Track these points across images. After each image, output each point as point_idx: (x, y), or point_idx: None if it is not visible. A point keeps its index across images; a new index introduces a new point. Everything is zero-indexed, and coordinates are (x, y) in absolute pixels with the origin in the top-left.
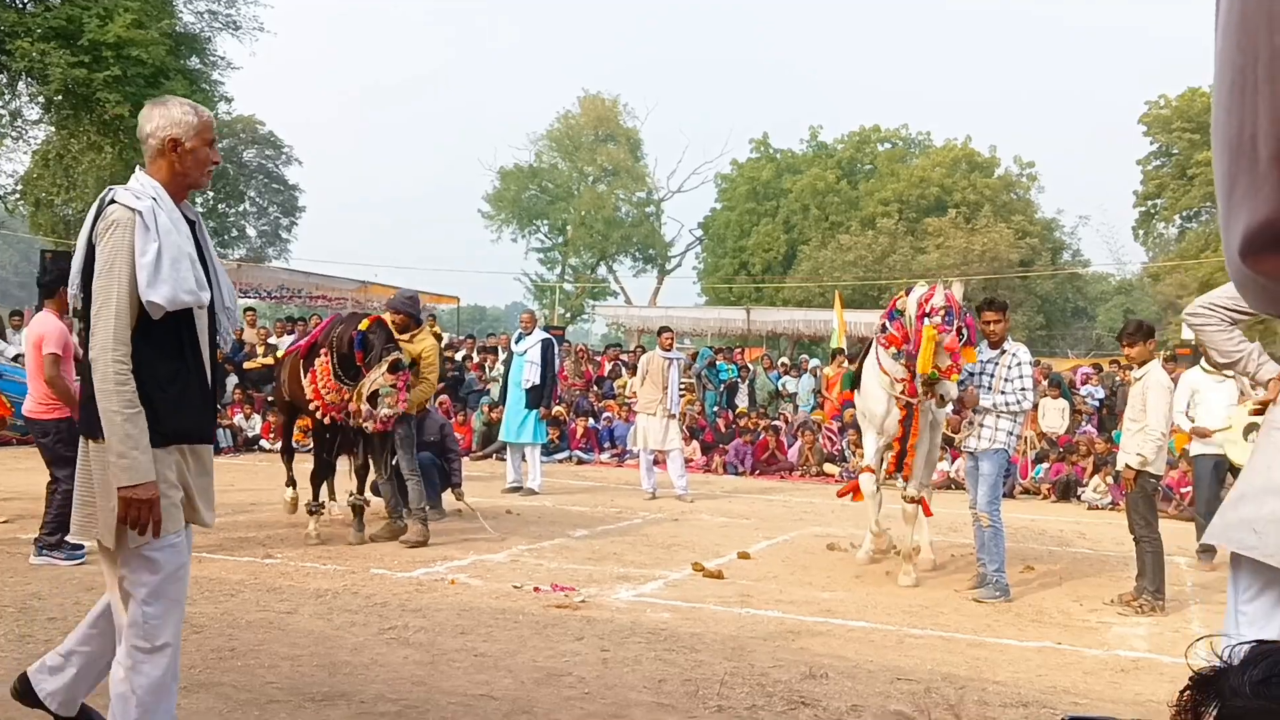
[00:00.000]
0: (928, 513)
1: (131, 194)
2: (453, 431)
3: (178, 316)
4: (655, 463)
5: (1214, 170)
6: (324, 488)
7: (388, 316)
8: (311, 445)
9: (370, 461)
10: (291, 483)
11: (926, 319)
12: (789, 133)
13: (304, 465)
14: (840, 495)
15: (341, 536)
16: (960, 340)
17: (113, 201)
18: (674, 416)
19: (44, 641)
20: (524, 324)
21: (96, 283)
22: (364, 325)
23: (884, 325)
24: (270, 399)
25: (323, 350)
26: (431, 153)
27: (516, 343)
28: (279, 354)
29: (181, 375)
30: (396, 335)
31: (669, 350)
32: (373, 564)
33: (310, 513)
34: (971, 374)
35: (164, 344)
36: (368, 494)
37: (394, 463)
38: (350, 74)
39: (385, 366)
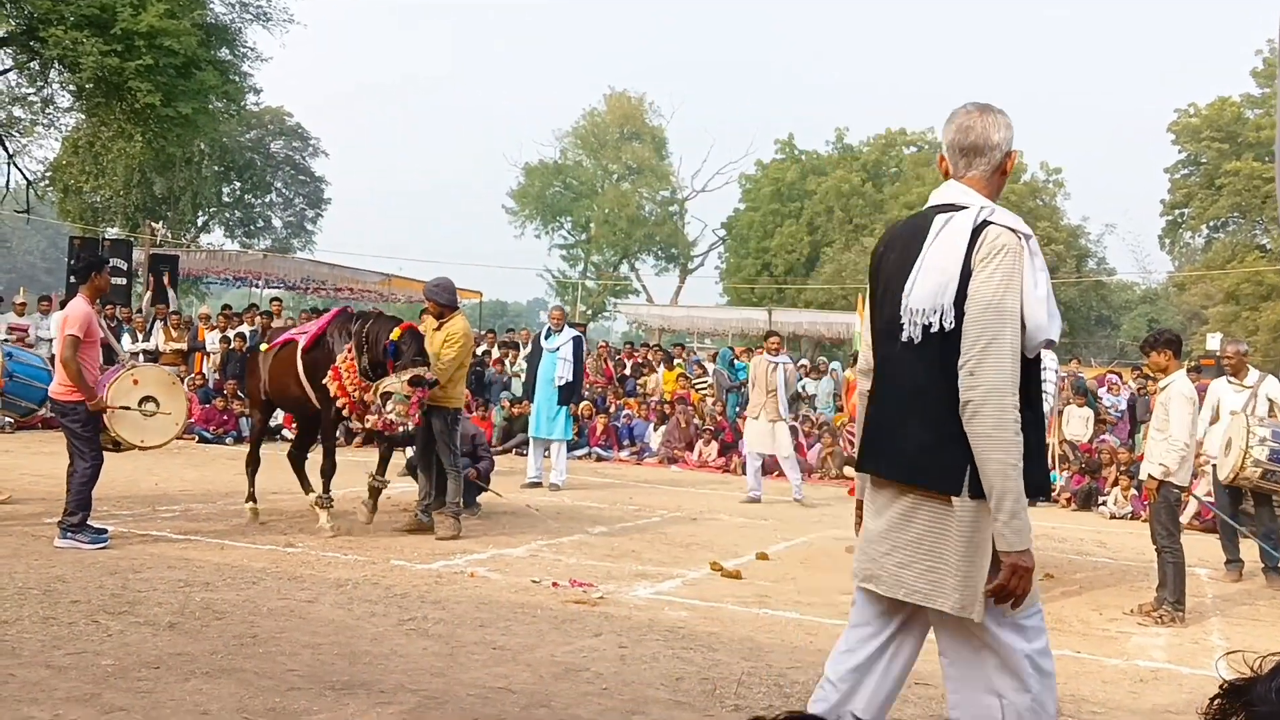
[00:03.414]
0: None
1: (1009, 215)
2: (485, 441)
3: (1029, 357)
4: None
5: None
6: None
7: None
8: (295, 439)
9: (391, 445)
10: (252, 499)
11: None
12: (814, 134)
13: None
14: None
15: (362, 528)
16: None
17: (989, 223)
18: (780, 420)
19: (68, 624)
20: (554, 321)
21: (982, 314)
22: (396, 334)
23: None
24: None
25: (348, 347)
26: (456, 147)
27: (546, 338)
28: (263, 347)
29: (1035, 422)
30: (434, 319)
31: (776, 354)
32: (393, 555)
33: (320, 507)
34: None
35: (1027, 387)
36: (388, 476)
37: (433, 456)
38: (376, 68)
39: (407, 376)
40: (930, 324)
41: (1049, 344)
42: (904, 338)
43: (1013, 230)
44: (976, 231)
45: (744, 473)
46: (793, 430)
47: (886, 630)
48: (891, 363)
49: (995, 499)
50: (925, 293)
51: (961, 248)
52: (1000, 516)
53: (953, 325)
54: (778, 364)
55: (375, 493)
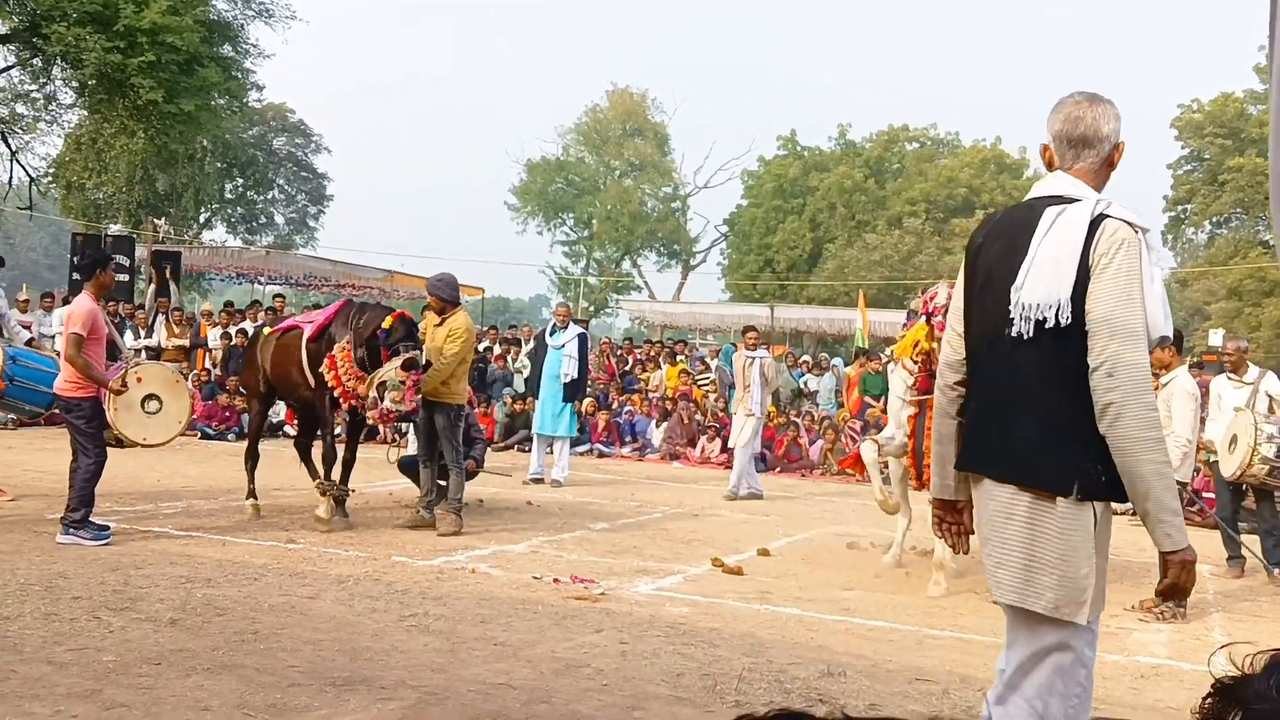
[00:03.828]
0: None
1: (1125, 209)
2: (477, 421)
3: None
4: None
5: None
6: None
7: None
8: (298, 429)
9: (354, 455)
10: (252, 494)
11: (927, 318)
12: (817, 130)
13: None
14: (841, 466)
15: (364, 523)
16: None
17: (1106, 216)
18: (752, 415)
19: (69, 620)
20: (559, 317)
21: (1112, 314)
22: (388, 323)
23: (908, 317)
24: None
25: (346, 338)
26: (458, 144)
27: (551, 335)
28: (265, 332)
29: None
30: (436, 315)
31: (753, 349)
32: (394, 551)
33: (322, 493)
34: None
35: None
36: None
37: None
38: (378, 65)
39: (399, 362)
40: (1045, 319)
41: (1162, 341)
42: (1013, 332)
43: (1130, 224)
44: (1094, 224)
45: None
46: (793, 426)
47: None
48: (996, 358)
49: (1154, 501)
50: (1040, 287)
51: (1078, 241)
52: (1164, 517)
53: (1069, 320)
54: (754, 359)
55: (340, 501)
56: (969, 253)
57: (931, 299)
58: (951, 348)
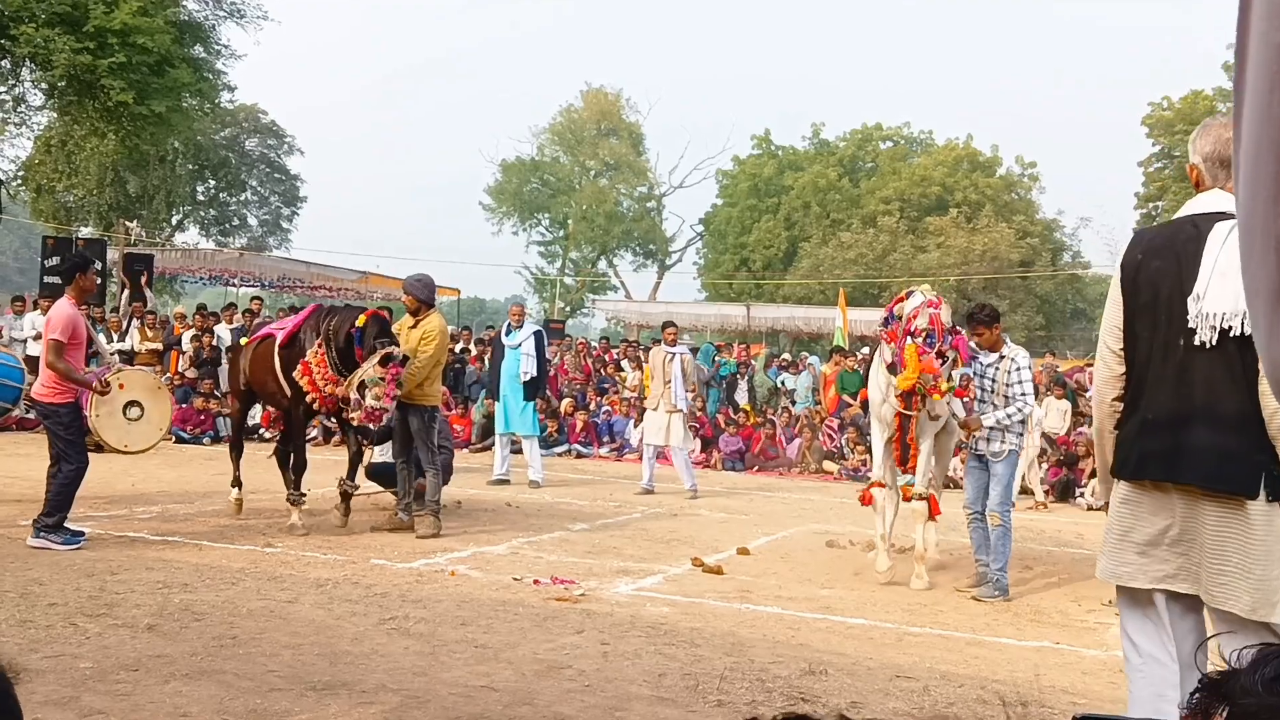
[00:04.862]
0: (935, 511)
1: None
2: (448, 427)
3: None
4: (659, 458)
5: (1248, 275)
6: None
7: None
8: (279, 434)
9: (360, 448)
10: (237, 483)
11: (910, 337)
12: (791, 129)
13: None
14: (863, 503)
15: (340, 527)
16: (943, 362)
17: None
18: (676, 412)
19: (45, 627)
20: (514, 317)
21: None
22: (360, 321)
23: (886, 320)
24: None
25: (318, 342)
26: (433, 145)
27: (507, 335)
28: (243, 342)
29: None
30: (410, 316)
31: (672, 345)
32: (373, 554)
33: (292, 504)
34: (970, 374)
35: None
36: (359, 481)
37: (411, 454)
38: (351, 65)
39: (377, 359)
40: (1230, 328)
41: None
42: (1195, 341)
43: None
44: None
45: (723, 468)
46: (769, 424)
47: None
48: (1171, 369)
49: None
50: (1224, 297)
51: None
52: None
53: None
54: (674, 354)
55: (346, 497)
56: (1127, 270)
57: (913, 319)
58: (1108, 365)
